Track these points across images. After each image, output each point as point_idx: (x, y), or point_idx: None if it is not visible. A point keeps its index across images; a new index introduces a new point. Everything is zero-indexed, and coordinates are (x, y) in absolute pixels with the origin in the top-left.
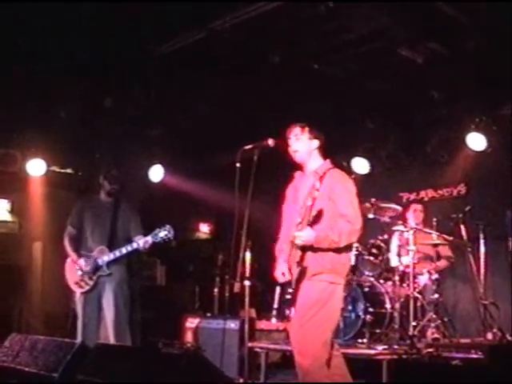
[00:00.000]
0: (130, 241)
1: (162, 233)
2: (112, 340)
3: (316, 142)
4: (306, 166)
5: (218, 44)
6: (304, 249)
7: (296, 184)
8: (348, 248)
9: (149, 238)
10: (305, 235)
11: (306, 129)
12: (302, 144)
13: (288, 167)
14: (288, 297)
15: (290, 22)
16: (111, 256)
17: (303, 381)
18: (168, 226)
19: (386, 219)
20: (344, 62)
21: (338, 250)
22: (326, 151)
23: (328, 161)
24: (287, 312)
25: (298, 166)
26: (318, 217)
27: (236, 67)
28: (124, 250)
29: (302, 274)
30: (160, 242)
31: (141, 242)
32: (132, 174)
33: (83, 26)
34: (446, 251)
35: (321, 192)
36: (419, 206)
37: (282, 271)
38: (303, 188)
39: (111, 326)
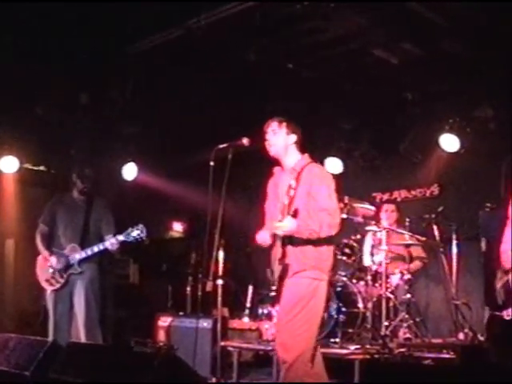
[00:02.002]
0: (102, 239)
1: (135, 232)
2: (83, 338)
3: (293, 137)
4: (283, 162)
5: (194, 42)
6: (285, 245)
7: (276, 180)
8: (328, 244)
9: (119, 238)
10: (286, 224)
11: (284, 123)
12: (279, 139)
13: (263, 166)
14: (272, 294)
15: (266, 21)
16: (83, 254)
17: (285, 376)
18: (141, 226)
19: (360, 219)
20: (319, 62)
21: (319, 246)
22: (303, 147)
23: (306, 155)
24: (260, 311)
25: (276, 162)
26: (297, 213)
27: (212, 66)
28: (95, 249)
29: (284, 271)
30: (132, 241)
31: (111, 241)
32: (105, 171)
33: (59, 24)
34: (418, 252)
35: (299, 189)
36: (391, 206)
37: (263, 237)
38: (282, 184)
39: (82, 325)
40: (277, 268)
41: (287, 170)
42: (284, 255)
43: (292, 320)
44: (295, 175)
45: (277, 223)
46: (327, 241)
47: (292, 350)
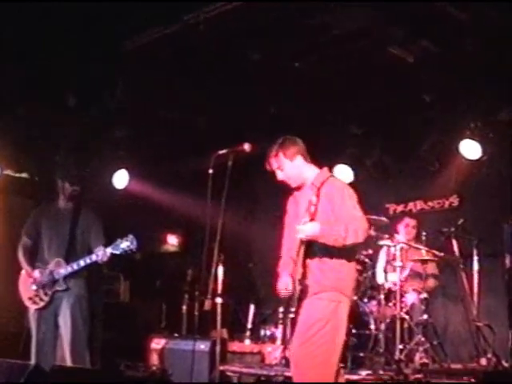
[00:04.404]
0: (90, 252)
1: (124, 243)
2: (69, 362)
3: (299, 158)
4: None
5: (192, 39)
6: (305, 265)
7: (296, 198)
8: (349, 259)
9: (108, 250)
10: (309, 228)
11: (280, 153)
12: (289, 170)
13: (266, 174)
14: (291, 316)
15: (271, 16)
16: (68, 269)
17: None
18: (130, 236)
19: (372, 233)
20: (328, 61)
21: (339, 265)
22: (312, 155)
23: (325, 169)
24: (262, 333)
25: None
26: None
27: (211, 65)
28: (82, 263)
29: (303, 292)
30: (122, 253)
31: (99, 253)
32: (94, 179)
33: (45, 19)
34: (432, 269)
35: (320, 204)
36: (412, 222)
37: (285, 284)
38: (303, 202)
39: (68, 347)
40: (297, 288)
41: (307, 187)
42: (304, 276)
43: (307, 342)
44: (315, 191)
45: (299, 226)
46: (348, 256)
47: (305, 377)
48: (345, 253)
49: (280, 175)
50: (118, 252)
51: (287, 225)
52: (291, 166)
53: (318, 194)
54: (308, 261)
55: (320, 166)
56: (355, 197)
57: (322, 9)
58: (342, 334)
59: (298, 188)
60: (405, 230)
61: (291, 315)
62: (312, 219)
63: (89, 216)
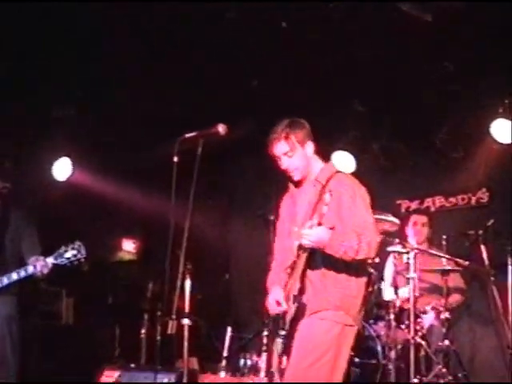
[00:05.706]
0: (22, 263)
1: (70, 252)
2: None
3: (310, 145)
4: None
5: None
6: (304, 278)
7: (294, 196)
8: (359, 275)
9: (49, 260)
10: (316, 233)
11: (292, 136)
12: (298, 159)
13: (246, 163)
14: (280, 341)
15: None
16: None
17: None
18: (77, 243)
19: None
20: (324, 22)
21: (346, 280)
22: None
23: (330, 163)
24: (241, 362)
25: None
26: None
27: (178, 26)
28: (15, 276)
29: (300, 311)
30: (67, 264)
31: (38, 264)
32: (29, 169)
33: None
34: (456, 281)
35: (329, 207)
36: (422, 218)
37: (276, 298)
38: (302, 201)
39: None
40: (291, 307)
41: (308, 183)
42: (301, 291)
43: (303, 371)
44: (319, 188)
45: (305, 230)
46: (358, 270)
47: None
48: (354, 265)
49: (286, 163)
50: (62, 263)
51: (280, 229)
52: (301, 153)
53: (323, 192)
54: (308, 274)
55: (324, 158)
56: (368, 198)
57: None
58: (343, 365)
59: (296, 184)
60: (413, 230)
61: (280, 340)
62: (320, 223)
63: (20, 219)
